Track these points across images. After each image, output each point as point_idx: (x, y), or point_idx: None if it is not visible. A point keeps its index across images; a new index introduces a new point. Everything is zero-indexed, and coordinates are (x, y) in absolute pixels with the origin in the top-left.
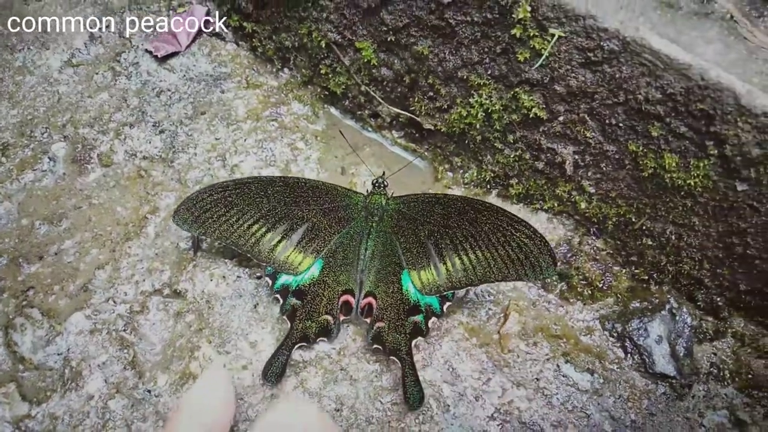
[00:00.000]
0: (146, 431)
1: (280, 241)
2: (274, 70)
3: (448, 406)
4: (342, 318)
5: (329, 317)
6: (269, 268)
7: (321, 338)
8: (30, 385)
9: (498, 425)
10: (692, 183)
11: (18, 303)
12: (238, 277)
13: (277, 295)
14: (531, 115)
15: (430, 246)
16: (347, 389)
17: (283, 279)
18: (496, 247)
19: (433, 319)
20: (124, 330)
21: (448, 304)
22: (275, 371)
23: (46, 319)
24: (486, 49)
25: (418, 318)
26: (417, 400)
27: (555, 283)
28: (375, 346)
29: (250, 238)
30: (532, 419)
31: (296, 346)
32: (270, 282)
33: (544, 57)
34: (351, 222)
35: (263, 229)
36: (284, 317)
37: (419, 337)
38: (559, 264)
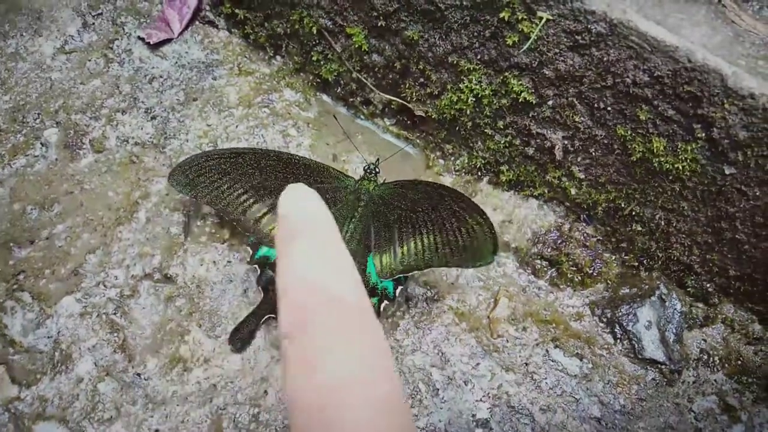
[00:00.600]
0: (136, 414)
1: (266, 213)
2: (266, 57)
3: (437, 390)
4: None
5: None
6: (251, 238)
7: None
8: (20, 368)
9: (487, 409)
10: (680, 167)
11: (9, 287)
12: (228, 262)
13: (256, 265)
14: (520, 100)
15: (395, 230)
16: None
17: (264, 251)
18: (447, 233)
19: (386, 303)
20: (115, 314)
21: (400, 288)
22: (242, 338)
23: (37, 302)
24: (475, 34)
25: (373, 301)
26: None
27: (545, 269)
28: None
29: (238, 207)
30: (521, 403)
31: (265, 317)
32: (250, 251)
33: (531, 40)
34: (337, 204)
35: (252, 200)
36: (259, 288)
37: None
38: (548, 250)
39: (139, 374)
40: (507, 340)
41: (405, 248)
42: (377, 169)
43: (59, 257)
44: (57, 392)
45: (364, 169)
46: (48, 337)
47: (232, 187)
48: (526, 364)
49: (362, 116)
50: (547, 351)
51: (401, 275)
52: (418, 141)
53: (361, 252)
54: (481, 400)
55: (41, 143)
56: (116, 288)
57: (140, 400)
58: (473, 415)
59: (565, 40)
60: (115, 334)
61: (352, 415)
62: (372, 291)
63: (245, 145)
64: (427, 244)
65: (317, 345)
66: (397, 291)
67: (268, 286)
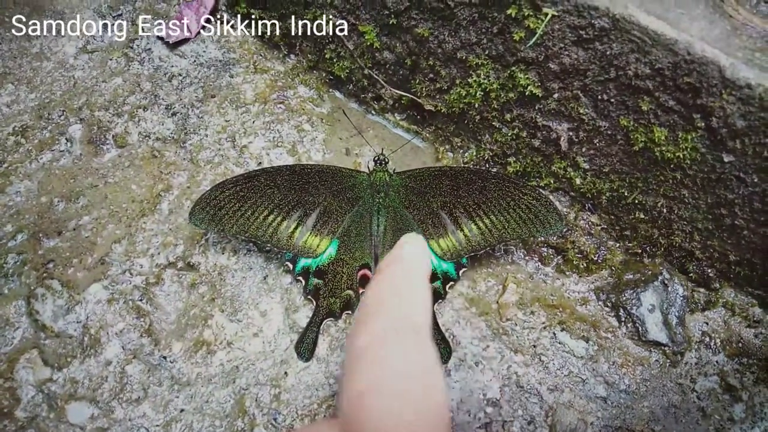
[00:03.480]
0: (162, 395)
1: (296, 228)
2: (281, 55)
3: (449, 370)
4: (361, 291)
5: (351, 292)
6: (288, 254)
7: (346, 311)
8: (51, 352)
9: (497, 388)
10: (681, 156)
11: (39, 275)
12: (248, 250)
13: (299, 278)
14: (527, 93)
15: (445, 215)
16: None
17: (303, 261)
18: (507, 210)
19: (451, 283)
20: (140, 300)
21: (463, 269)
22: (308, 347)
23: (66, 289)
24: (483, 30)
25: (436, 284)
26: (445, 355)
27: (552, 256)
28: None
29: (268, 229)
30: (529, 383)
31: (323, 322)
32: (291, 266)
33: (537, 35)
34: (359, 201)
35: (279, 218)
36: (309, 297)
37: (439, 300)
38: (554, 238)
39: (164, 357)
40: (515, 324)
41: (466, 231)
42: (386, 159)
43: (86, 247)
44: (87, 374)
45: (373, 161)
46: (77, 323)
47: (256, 211)
48: (534, 346)
49: (373, 111)
50: (554, 334)
51: (465, 256)
52: (427, 135)
53: None
54: (491, 380)
55: (66, 139)
56: (141, 276)
57: (166, 382)
58: (484, 395)
59: (570, 35)
60: (142, 320)
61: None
62: (432, 276)
63: (262, 140)
64: (490, 223)
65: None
66: (460, 272)
67: (317, 293)
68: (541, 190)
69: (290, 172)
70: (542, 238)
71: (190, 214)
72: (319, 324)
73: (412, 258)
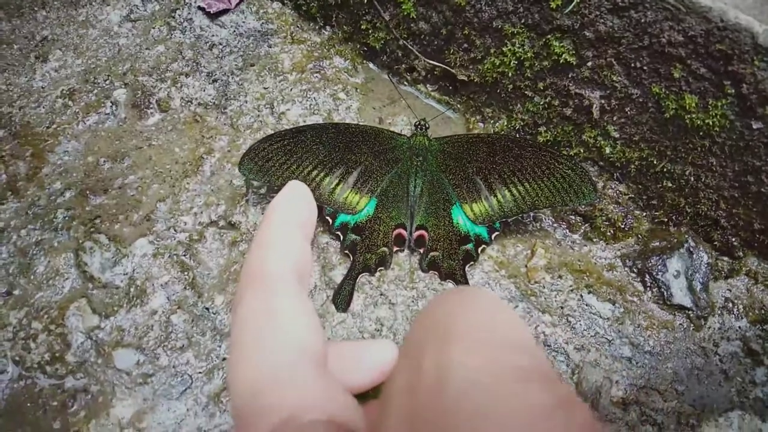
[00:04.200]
0: (205, 344)
1: (338, 185)
2: (317, 27)
3: None
4: (396, 249)
5: (386, 249)
6: (329, 209)
7: (380, 267)
8: (99, 301)
9: None
10: (710, 123)
11: (86, 229)
12: None
13: (338, 232)
14: (561, 62)
15: (479, 181)
16: (386, 312)
17: (342, 218)
18: (542, 179)
19: (483, 246)
20: (184, 255)
21: (495, 233)
22: (344, 299)
23: (113, 243)
24: None
25: (469, 246)
26: None
27: (579, 224)
28: (431, 271)
29: (311, 183)
30: (557, 343)
31: (359, 277)
32: (330, 221)
33: (574, 3)
34: (399, 163)
35: (322, 174)
36: (346, 251)
37: (472, 262)
38: (582, 206)
39: (207, 308)
40: (543, 286)
41: (500, 196)
42: (427, 125)
43: (132, 204)
44: (133, 323)
45: (414, 125)
46: (124, 274)
47: (302, 165)
48: (562, 307)
49: (406, 82)
50: (581, 296)
51: (502, 220)
52: (458, 106)
53: (441, 205)
54: None
55: (111, 102)
56: (185, 233)
57: (209, 332)
58: None
59: (606, 2)
60: (186, 273)
61: None
62: (465, 239)
63: (299, 107)
64: (524, 190)
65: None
66: (493, 236)
67: (354, 248)
68: (576, 160)
69: (336, 131)
70: (574, 208)
71: (239, 163)
72: (355, 278)
73: (274, 206)
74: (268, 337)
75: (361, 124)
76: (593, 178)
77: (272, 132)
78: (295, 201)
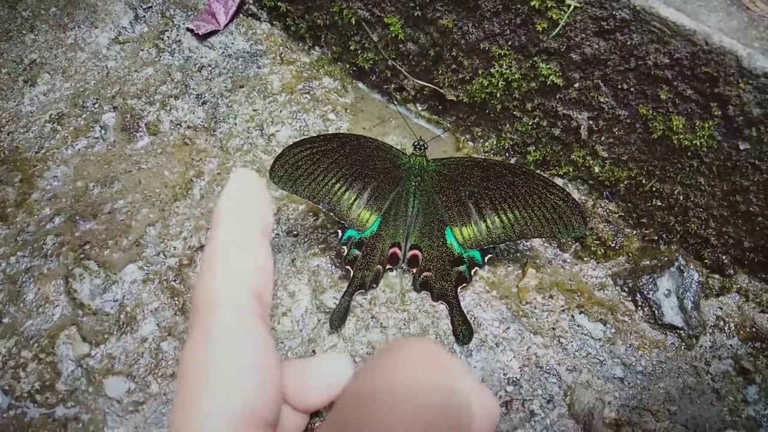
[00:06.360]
0: None
1: (355, 200)
2: (306, 47)
3: (471, 351)
4: (388, 267)
5: (380, 266)
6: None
7: (372, 285)
8: (89, 329)
9: (518, 369)
10: (698, 143)
11: (76, 256)
12: (276, 234)
13: (344, 246)
14: (548, 83)
15: (471, 205)
16: (378, 335)
17: (350, 232)
18: (532, 208)
19: (476, 269)
20: (174, 280)
21: (489, 256)
22: (338, 315)
23: (102, 269)
24: (507, 21)
25: (462, 268)
26: (467, 336)
27: (570, 243)
28: (423, 292)
29: (333, 197)
30: (549, 364)
31: (356, 293)
32: (340, 233)
33: (560, 26)
34: (402, 181)
35: (343, 188)
36: (347, 266)
37: (464, 284)
38: (576, 239)
39: None
40: (535, 307)
41: (489, 222)
42: (425, 145)
43: (121, 229)
44: (123, 350)
45: (413, 146)
46: (114, 301)
47: (327, 177)
48: (553, 328)
49: (395, 102)
50: (572, 317)
51: (490, 246)
52: (448, 125)
53: (436, 226)
54: (511, 360)
55: (100, 126)
56: (175, 257)
57: None
58: (504, 374)
59: (592, 25)
60: (176, 299)
61: None
62: (458, 260)
63: (289, 129)
64: (513, 218)
65: None
66: (486, 258)
67: (353, 263)
68: (569, 192)
69: (357, 143)
70: (563, 239)
71: (270, 171)
72: (352, 294)
73: (221, 207)
74: (204, 398)
75: (376, 138)
76: (584, 212)
77: (262, 154)
78: (243, 197)
